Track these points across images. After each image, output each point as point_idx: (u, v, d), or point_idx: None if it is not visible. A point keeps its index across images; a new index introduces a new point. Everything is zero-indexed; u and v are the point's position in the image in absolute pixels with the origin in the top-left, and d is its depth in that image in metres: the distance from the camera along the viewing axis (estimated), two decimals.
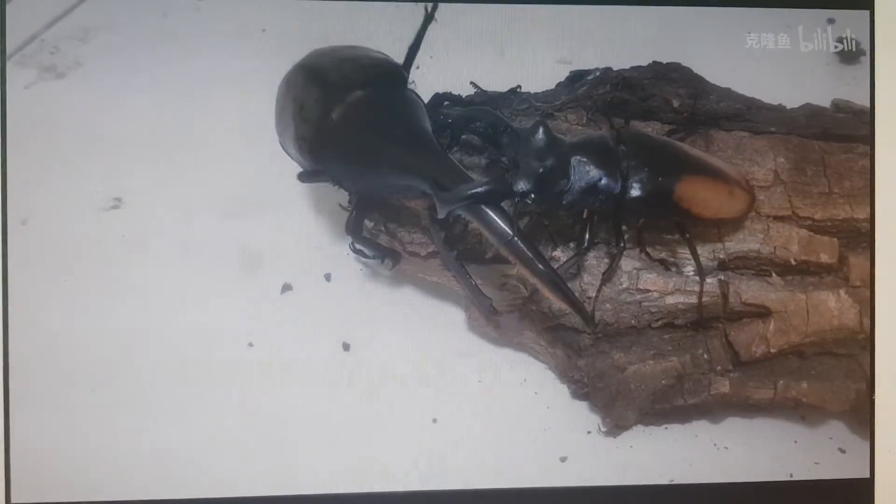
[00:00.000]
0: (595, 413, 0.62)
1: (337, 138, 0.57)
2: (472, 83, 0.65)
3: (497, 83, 0.66)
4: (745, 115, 0.63)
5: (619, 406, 0.60)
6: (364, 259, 0.64)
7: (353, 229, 0.61)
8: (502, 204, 0.53)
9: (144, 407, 0.62)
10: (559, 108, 0.64)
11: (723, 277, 0.59)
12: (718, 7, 0.66)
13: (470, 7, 0.68)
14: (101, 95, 0.67)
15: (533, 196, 0.55)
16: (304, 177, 0.60)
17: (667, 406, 0.60)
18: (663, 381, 0.59)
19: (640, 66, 0.65)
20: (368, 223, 0.62)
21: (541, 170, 0.55)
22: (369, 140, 0.56)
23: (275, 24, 0.68)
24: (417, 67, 0.67)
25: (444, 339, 0.64)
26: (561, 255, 0.60)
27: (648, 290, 0.59)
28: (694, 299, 0.59)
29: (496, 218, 0.52)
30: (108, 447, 0.61)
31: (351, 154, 0.57)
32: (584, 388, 0.61)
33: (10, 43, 0.67)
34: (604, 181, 0.56)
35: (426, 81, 0.67)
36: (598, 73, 0.64)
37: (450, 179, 0.53)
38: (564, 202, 0.56)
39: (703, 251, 0.59)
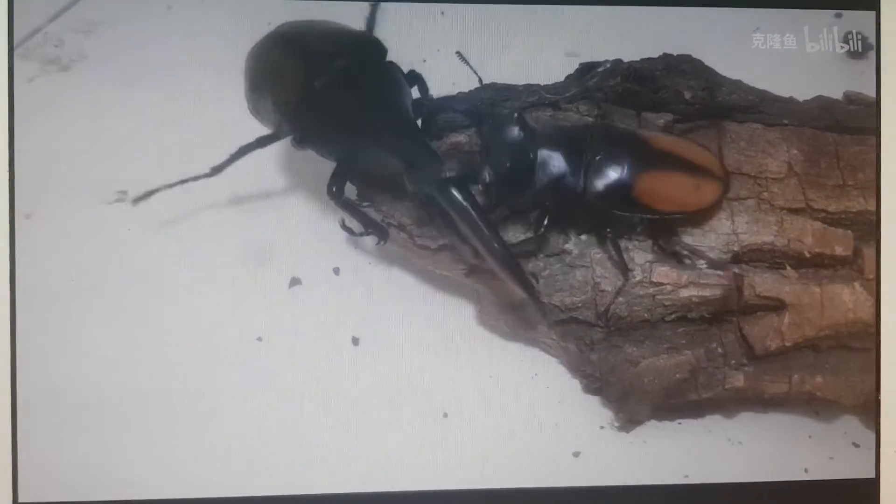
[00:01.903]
0: (607, 408, 0.62)
1: (318, 105, 0.57)
2: (457, 53, 0.63)
3: (504, 76, 0.65)
4: (758, 107, 0.62)
5: (632, 400, 0.60)
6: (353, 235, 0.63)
7: (335, 192, 0.59)
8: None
9: (151, 404, 0.62)
10: (569, 99, 0.63)
11: (737, 270, 0.59)
12: (724, 7, 0.66)
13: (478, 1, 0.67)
14: (106, 88, 0.66)
15: (496, 189, 0.56)
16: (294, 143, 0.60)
17: (680, 400, 0.60)
18: (677, 376, 0.59)
19: (650, 58, 0.64)
20: (376, 215, 0.61)
21: (507, 164, 0.56)
22: (349, 110, 0.57)
23: (280, 17, 0.66)
24: (424, 61, 0.67)
25: (455, 332, 0.63)
26: (573, 248, 0.59)
27: (662, 284, 0.59)
28: (708, 292, 0.58)
29: (459, 198, 0.54)
30: (115, 446, 0.61)
31: (331, 122, 0.58)
32: (597, 382, 0.61)
33: (14, 36, 0.66)
34: (566, 179, 0.57)
35: (433, 74, 0.66)
36: (608, 65, 0.64)
37: (422, 159, 0.55)
38: (526, 198, 0.57)
39: (718, 243, 0.59)
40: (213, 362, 0.62)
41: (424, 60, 0.67)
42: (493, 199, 0.58)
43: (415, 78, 0.62)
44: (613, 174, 0.57)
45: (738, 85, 0.64)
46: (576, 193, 0.57)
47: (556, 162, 0.57)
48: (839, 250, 0.59)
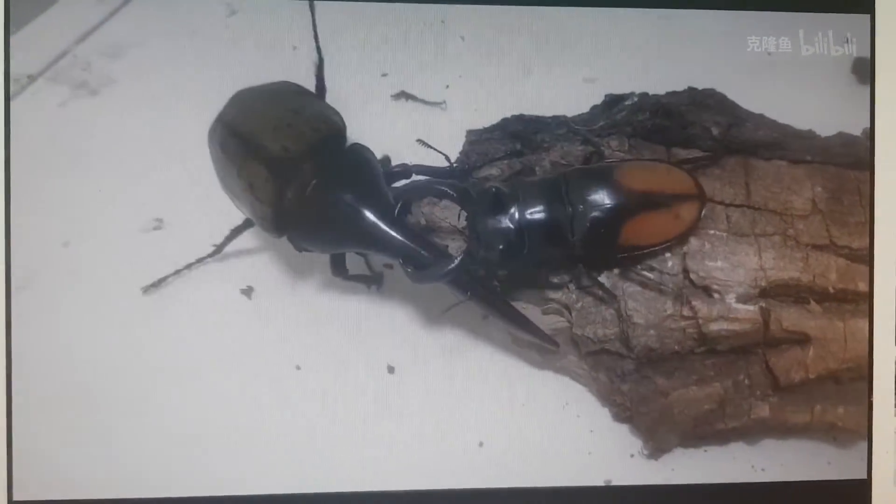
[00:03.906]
0: (636, 436, 0.63)
1: (297, 216, 0.58)
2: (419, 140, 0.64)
3: (524, 101, 0.67)
4: (782, 144, 0.64)
5: (662, 430, 0.61)
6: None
7: (341, 273, 0.62)
8: None
9: (159, 411, 0.63)
10: (598, 133, 0.64)
11: (764, 304, 0.60)
12: (720, 10, 0.67)
13: (496, 25, 0.68)
14: (136, 113, 0.67)
15: (493, 264, 0.58)
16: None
17: (708, 430, 0.62)
18: (706, 406, 0.61)
19: (676, 92, 0.65)
20: None
21: (498, 243, 0.57)
22: (329, 216, 0.57)
23: (306, 42, 0.67)
24: (447, 87, 0.68)
25: (488, 361, 0.65)
26: (605, 281, 0.61)
27: (692, 317, 0.60)
28: (737, 326, 0.60)
29: (465, 286, 0.58)
30: (111, 445, 0.62)
31: (314, 230, 0.58)
32: (627, 411, 0.62)
33: (41, 59, 0.66)
34: (555, 239, 0.58)
35: (454, 99, 0.67)
36: (635, 99, 0.65)
37: (421, 256, 0.56)
38: (523, 266, 0.59)
39: (746, 279, 0.60)
40: (252, 389, 0.63)
41: (448, 86, 0.68)
42: (491, 271, 0.60)
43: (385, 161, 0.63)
44: (598, 225, 0.58)
45: (762, 120, 0.65)
46: (567, 248, 0.59)
47: (541, 225, 0.58)
48: (862, 286, 0.61)
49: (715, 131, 0.64)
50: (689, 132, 0.64)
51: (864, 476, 0.63)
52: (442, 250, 0.58)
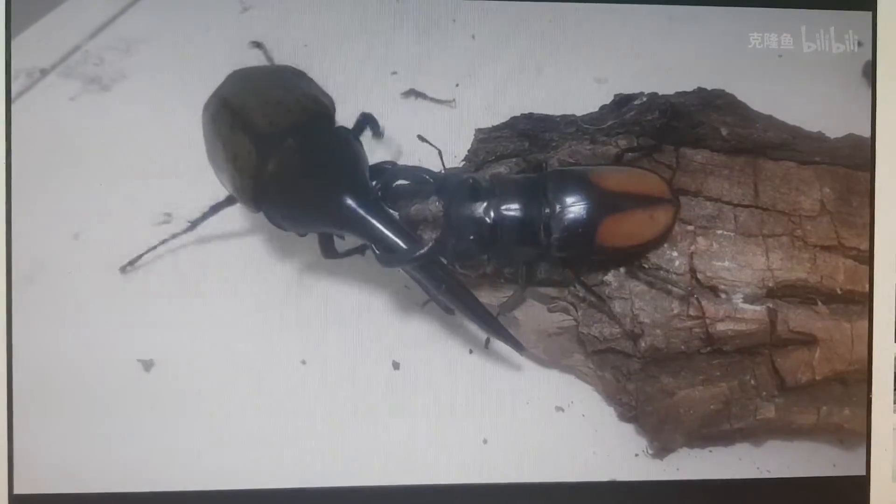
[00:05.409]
0: (641, 435, 0.63)
1: (275, 190, 0.58)
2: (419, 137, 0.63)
3: (534, 100, 0.67)
4: (792, 145, 0.64)
5: (667, 430, 0.61)
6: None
7: (332, 254, 0.61)
8: None
9: (160, 405, 0.63)
10: (607, 132, 0.64)
11: (771, 305, 0.60)
12: (722, 7, 0.67)
13: (508, 25, 0.68)
14: (147, 108, 0.67)
15: (463, 256, 0.59)
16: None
17: (714, 430, 0.62)
18: (712, 406, 0.61)
19: (685, 92, 0.65)
20: None
21: (470, 233, 0.58)
22: (307, 193, 0.57)
23: (317, 40, 0.68)
24: (457, 85, 0.68)
25: (494, 360, 0.65)
26: (612, 280, 0.61)
27: (699, 317, 0.60)
28: (744, 326, 0.60)
29: (434, 274, 0.57)
30: (110, 439, 0.62)
31: (290, 206, 0.58)
32: (633, 411, 0.62)
33: (54, 53, 0.67)
34: (528, 236, 0.58)
35: (464, 97, 0.67)
36: (644, 99, 0.65)
37: (393, 241, 0.56)
38: (494, 259, 0.60)
39: (753, 279, 0.60)
40: (258, 384, 0.63)
41: (457, 85, 0.68)
42: (461, 264, 0.60)
43: (367, 120, 0.63)
44: (573, 226, 0.59)
45: (771, 121, 0.65)
46: (539, 248, 0.59)
47: (515, 221, 0.58)
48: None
49: (724, 131, 0.63)
50: (698, 132, 0.64)
51: (863, 472, 0.63)
52: (414, 238, 0.57)
